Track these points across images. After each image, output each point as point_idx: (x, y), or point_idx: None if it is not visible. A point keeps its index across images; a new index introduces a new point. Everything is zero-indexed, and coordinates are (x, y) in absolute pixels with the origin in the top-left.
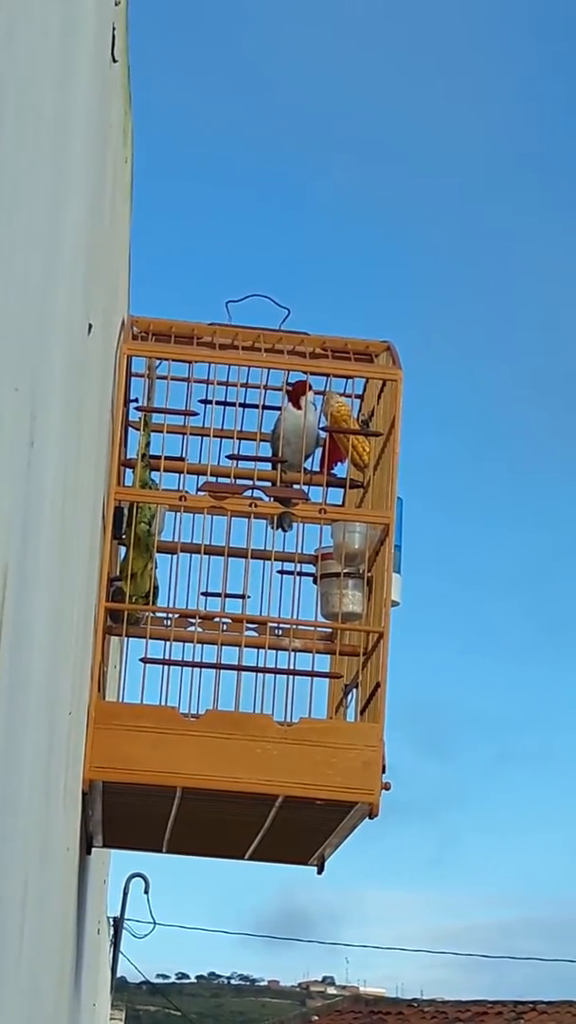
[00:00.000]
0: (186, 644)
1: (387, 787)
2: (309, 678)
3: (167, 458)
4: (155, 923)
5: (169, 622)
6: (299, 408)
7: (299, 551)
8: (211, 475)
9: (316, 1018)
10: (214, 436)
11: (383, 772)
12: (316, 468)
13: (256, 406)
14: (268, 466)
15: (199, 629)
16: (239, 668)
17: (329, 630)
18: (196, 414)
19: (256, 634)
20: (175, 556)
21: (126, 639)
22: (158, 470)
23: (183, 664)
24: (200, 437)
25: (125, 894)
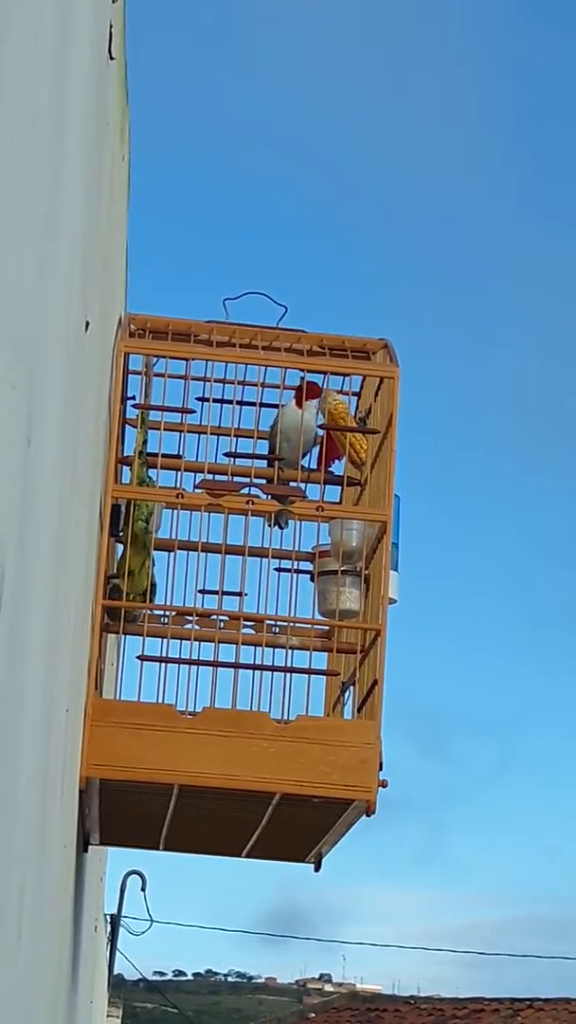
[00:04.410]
0: (183, 642)
1: (384, 784)
2: (306, 676)
3: (164, 455)
4: (152, 920)
5: (166, 620)
6: (301, 407)
7: (296, 549)
8: (208, 473)
9: (313, 1015)
10: (211, 434)
11: (380, 770)
12: (314, 466)
13: (253, 404)
14: (265, 464)
15: (196, 627)
16: (236, 666)
17: (326, 628)
18: (193, 411)
19: (253, 632)
20: (172, 553)
21: (123, 636)
22: (155, 467)
23: (180, 662)
24: (197, 435)
25: (122, 891)
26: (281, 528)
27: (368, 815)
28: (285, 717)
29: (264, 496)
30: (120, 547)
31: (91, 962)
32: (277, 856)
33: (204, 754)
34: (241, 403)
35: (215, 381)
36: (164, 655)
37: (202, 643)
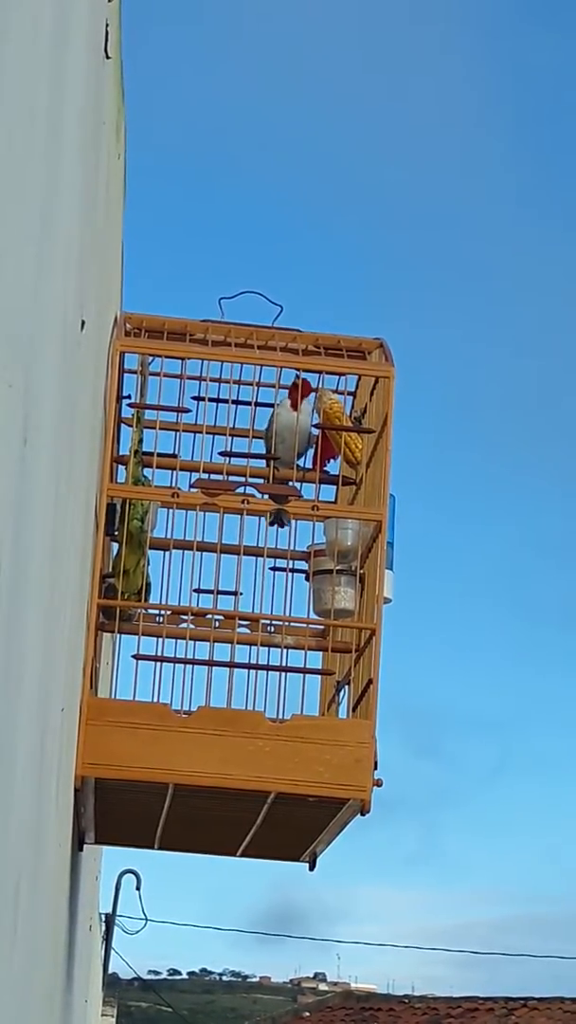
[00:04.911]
0: (179, 641)
1: (379, 784)
2: (301, 675)
3: (160, 455)
4: (147, 919)
5: (161, 619)
6: (296, 409)
7: (292, 548)
8: (204, 472)
9: (307, 1014)
10: (207, 433)
11: (375, 769)
12: (309, 465)
13: (249, 403)
14: (261, 463)
15: (192, 626)
16: (231, 665)
17: (321, 627)
18: (189, 411)
19: (248, 631)
20: (168, 553)
21: (118, 635)
22: (151, 466)
23: (175, 661)
24: (193, 434)
25: (117, 890)
26: (280, 527)
27: (363, 814)
28: (280, 716)
29: (260, 495)
30: (115, 546)
31: (86, 961)
32: (272, 855)
33: (199, 753)
34: (237, 402)
35: (211, 380)
36: (159, 654)
37: (197, 642)
